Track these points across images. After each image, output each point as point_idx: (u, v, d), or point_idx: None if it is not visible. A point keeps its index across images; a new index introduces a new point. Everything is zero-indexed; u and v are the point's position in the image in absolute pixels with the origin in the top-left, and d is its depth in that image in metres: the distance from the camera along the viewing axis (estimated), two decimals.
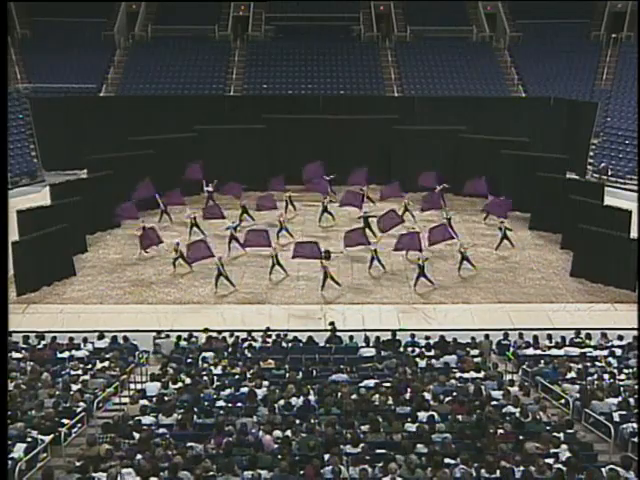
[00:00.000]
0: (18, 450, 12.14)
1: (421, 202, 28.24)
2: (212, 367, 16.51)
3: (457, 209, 29.00)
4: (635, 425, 13.01)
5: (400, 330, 18.79)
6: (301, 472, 11.01)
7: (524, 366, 16.88)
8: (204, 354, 17.28)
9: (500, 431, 12.71)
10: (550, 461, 11.51)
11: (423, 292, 22.24)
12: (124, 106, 33.73)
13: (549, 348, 17.78)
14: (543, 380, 15.72)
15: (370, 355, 17.24)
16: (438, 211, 27.67)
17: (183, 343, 18.25)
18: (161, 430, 12.89)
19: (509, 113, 33.63)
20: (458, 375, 15.90)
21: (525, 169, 27.99)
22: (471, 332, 18.88)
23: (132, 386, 16.57)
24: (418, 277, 22.23)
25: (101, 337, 18.58)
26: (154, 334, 18.85)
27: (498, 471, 11.09)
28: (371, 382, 15.23)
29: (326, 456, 11.41)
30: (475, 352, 17.64)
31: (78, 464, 11.25)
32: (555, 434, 12.61)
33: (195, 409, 13.78)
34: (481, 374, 15.96)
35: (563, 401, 14.99)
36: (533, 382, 16.05)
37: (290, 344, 18.14)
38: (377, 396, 14.32)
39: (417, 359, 16.93)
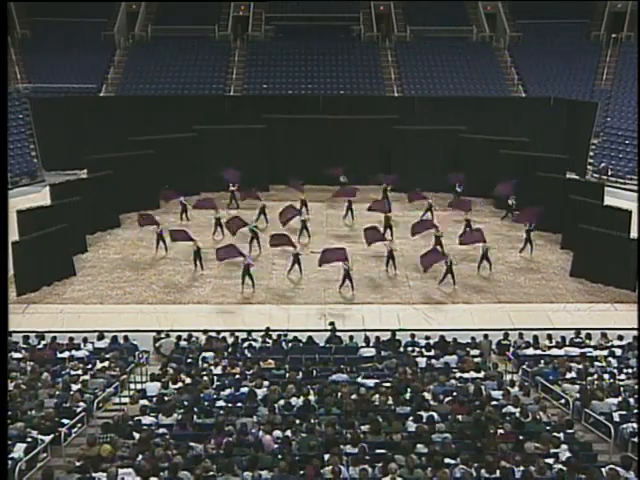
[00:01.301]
0: (18, 450, 12.14)
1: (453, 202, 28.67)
2: (212, 367, 16.52)
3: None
4: (635, 425, 13.02)
5: (400, 330, 18.80)
6: (301, 472, 11.02)
7: (524, 366, 16.88)
8: (204, 354, 17.29)
9: (500, 431, 12.71)
10: (550, 461, 11.52)
11: (423, 292, 22.26)
12: (124, 106, 33.74)
13: (549, 348, 17.79)
14: (543, 380, 15.73)
15: (370, 355, 17.25)
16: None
17: (183, 343, 18.25)
18: (161, 430, 12.89)
19: (509, 113, 33.66)
20: (458, 375, 15.90)
21: (525, 169, 27.98)
22: (471, 332, 18.89)
23: (132, 386, 16.58)
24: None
25: (101, 337, 18.56)
26: (154, 334, 18.86)
27: (498, 471, 11.09)
28: (371, 382, 15.24)
29: (326, 456, 11.41)
30: (475, 352, 17.65)
31: (78, 464, 11.26)
32: (555, 434, 12.62)
33: (195, 409, 13.78)
34: (481, 374, 15.97)
35: (563, 401, 15.00)
36: (533, 382, 16.05)
37: (290, 344, 18.13)
38: (377, 396, 14.32)
39: (417, 359, 16.93)
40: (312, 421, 13.00)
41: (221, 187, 29.92)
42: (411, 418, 13.24)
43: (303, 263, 23.41)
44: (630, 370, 16.07)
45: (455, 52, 41.11)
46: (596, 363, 16.67)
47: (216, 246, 24.08)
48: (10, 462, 11.54)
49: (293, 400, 14.11)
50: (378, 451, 11.87)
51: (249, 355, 17.33)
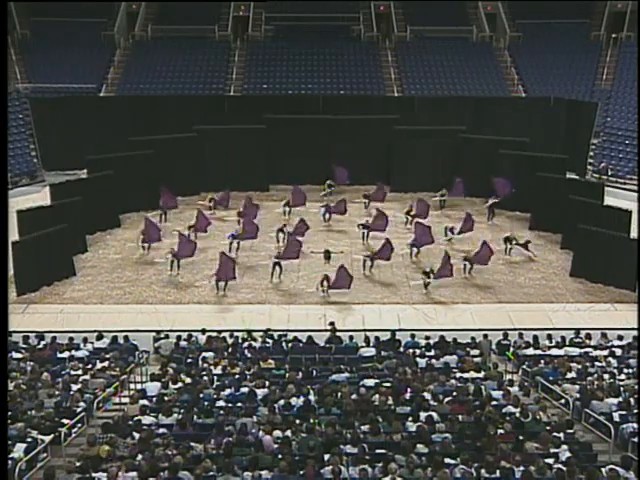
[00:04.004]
0: (18, 450, 12.15)
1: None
2: (212, 367, 16.52)
3: (456, 209, 29.26)
4: (635, 425, 13.02)
5: (400, 330, 18.78)
6: (301, 472, 11.02)
7: (524, 366, 16.88)
8: (204, 354, 17.29)
9: (500, 431, 12.72)
10: (550, 461, 11.53)
11: (423, 292, 22.22)
12: (124, 106, 33.75)
13: (549, 348, 17.79)
14: (543, 380, 15.74)
15: (370, 355, 17.25)
16: None
17: (183, 343, 18.25)
18: (161, 430, 12.90)
19: (509, 113, 33.63)
20: (458, 375, 15.91)
21: (525, 169, 27.98)
22: (471, 332, 18.89)
23: (132, 386, 16.58)
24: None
25: (100, 337, 18.55)
26: (154, 334, 18.86)
27: (498, 471, 11.10)
28: (371, 382, 15.23)
29: (326, 456, 11.41)
30: (475, 352, 17.66)
31: (78, 464, 11.27)
32: (555, 434, 12.63)
33: (195, 409, 13.79)
34: (481, 374, 15.98)
35: (563, 401, 15.00)
36: (533, 382, 16.05)
37: (290, 344, 18.13)
38: (377, 396, 14.32)
39: (417, 359, 16.95)
40: (312, 421, 13.00)
41: (219, 188, 30.03)
42: (411, 418, 13.26)
43: (304, 263, 23.48)
44: (630, 370, 16.07)
45: (455, 52, 41.04)
46: (596, 363, 16.67)
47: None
48: (10, 462, 11.54)
49: (293, 400, 14.12)
50: (378, 451, 11.88)
51: (249, 355, 17.34)
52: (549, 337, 18.33)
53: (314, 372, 16.00)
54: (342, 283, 21.77)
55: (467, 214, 26.41)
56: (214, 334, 18.68)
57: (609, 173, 34.00)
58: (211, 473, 11.07)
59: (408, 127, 31.53)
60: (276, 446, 12.11)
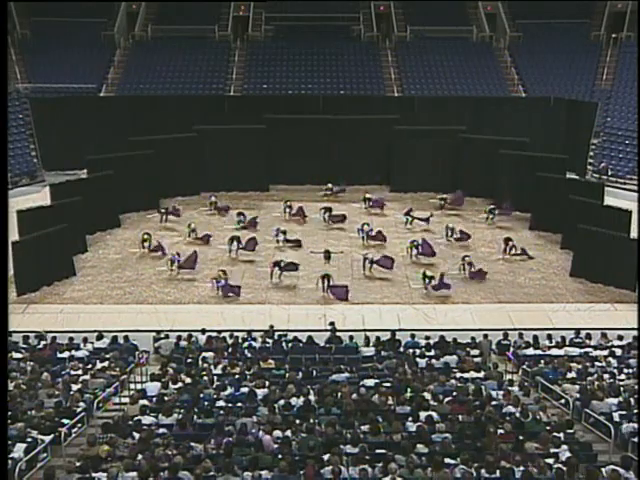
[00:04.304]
0: (18, 450, 12.16)
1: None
2: (212, 367, 16.52)
3: (456, 209, 29.28)
4: (635, 425, 13.02)
5: (400, 330, 18.78)
6: (301, 472, 11.02)
7: (524, 366, 16.89)
8: (204, 354, 17.29)
9: (500, 431, 12.72)
10: (550, 461, 11.53)
11: (423, 292, 22.21)
12: (124, 106, 33.74)
13: (549, 348, 17.79)
14: (543, 380, 15.74)
15: (370, 355, 17.25)
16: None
17: (183, 343, 18.25)
18: (161, 430, 12.90)
19: (509, 113, 33.65)
20: (458, 375, 15.91)
21: (525, 169, 27.99)
22: (471, 332, 18.90)
23: (132, 386, 16.58)
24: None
25: (100, 337, 18.56)
26: (154, 334, 18.86)
27: (498, 471, 11.10)
28: (371, 382, 15.23)
29: (326, 456, 11.42)
30: (475, 352, 17.66)
31: (78, 464, 11.27)
32: (555, 434, 12.63)
33: (195, 409, 13.79)
34: (481, 374, 15.98)
35: (563, 401, 15.01)
36: (533, 382, 16.06)
37: (290, 344, 18.13)
38: (377, 396, 14.32)
39: (417, 359, 16.95)
40: (312, 421, 13.01)
41: (219, 188, 30.00)
42: (411, 418, 13.26)
43: (304, 263, 23.49)
44: (630, 370, 16.08)
45: (455, 52, 41.03)
46: (596, 363, 16.67)
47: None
48: (10, 462, 11.55)
49: (293, 400, 14.12)
50: (378, 451, 11.88)
51: (249, 355, 17.34)
52: (549, 337, 18.34)
53: (314, 372, 16.00)
54: (340, 294, 21.79)
55: (461, 231, 26.29)
56: (214, 334, 18.70)
57: (609, 173, 34.00)
58: (211, 473, 11.08)
59: (408, 127, 31.52)
60: (276, 446, 12.11)
